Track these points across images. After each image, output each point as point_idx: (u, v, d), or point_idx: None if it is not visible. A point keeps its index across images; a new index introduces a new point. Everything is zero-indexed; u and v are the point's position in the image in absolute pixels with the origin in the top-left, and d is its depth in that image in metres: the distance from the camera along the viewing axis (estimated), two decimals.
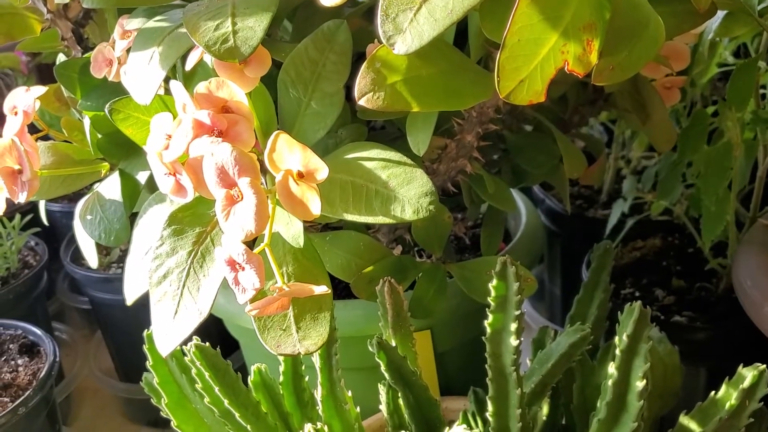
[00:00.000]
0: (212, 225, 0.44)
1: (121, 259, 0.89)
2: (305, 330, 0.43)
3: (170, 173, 0.40)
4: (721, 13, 0.51)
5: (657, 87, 0.54)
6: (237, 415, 0.50)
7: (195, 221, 0.44)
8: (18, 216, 0.92)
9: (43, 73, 1.22)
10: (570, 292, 0.62)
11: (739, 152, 0.57)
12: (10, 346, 0.74)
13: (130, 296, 0.49)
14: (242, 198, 0.37)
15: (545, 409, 0.54)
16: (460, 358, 0.65)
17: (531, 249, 0.68)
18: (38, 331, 0.75)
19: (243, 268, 0.38)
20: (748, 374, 0.44)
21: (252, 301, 0.39)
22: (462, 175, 0.54)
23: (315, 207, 0.38)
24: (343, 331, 0.55)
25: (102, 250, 0.90)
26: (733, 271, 0.57)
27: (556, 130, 0.54)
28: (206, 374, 0.48)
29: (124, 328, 0.88)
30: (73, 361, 0.93)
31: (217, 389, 0.49)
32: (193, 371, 0.50)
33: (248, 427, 0.50)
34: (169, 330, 0.42)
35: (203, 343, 0.49)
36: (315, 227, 0.58)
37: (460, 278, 0.57)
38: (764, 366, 0.43)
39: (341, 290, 0.64)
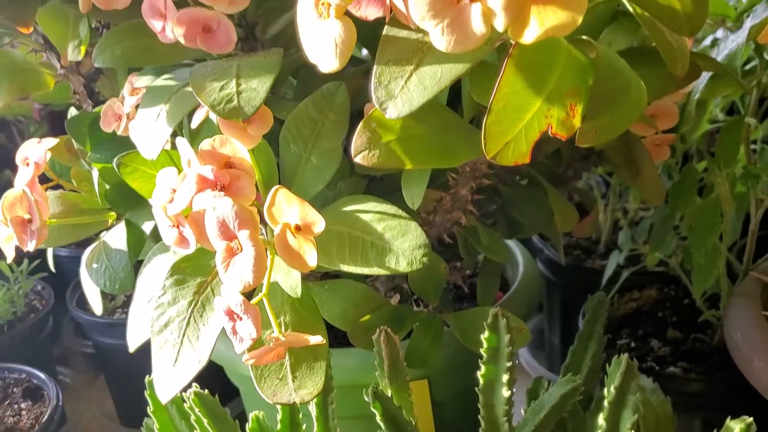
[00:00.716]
0: (213, 275, 0.45)
1: (125, 305, 0.91)
2: (301, 379, 0.44)
3: (174, 225, 0.42)
4: (706, 75, 0.53)
5: (647, 144, 0.56)
6: None
7: (196, 271, 0.46)
8: (26, 261, 0.94)
9: (54, 120, 1.25)
10: (569, 341, 0.63)
11: (729, 207, 0.58)
12: (14, 389, 0.75)
13: (133, 343, 0.50)
14: (241, 250, 0.39)
15: None
16: (458, 407, 0.66)
17: (528, 299, 0.69)
18: (42, 375, 0.76)
19: (240, 318, 0.39)
20: (735, 426, 0.44)
21: (249, 350, 0.40)
22: (457, 227, 0.56)
23: (311, 259, 0.39)
24: (340, 380, 0.56)
25: (107, 295, 0.92)
26: (724, 324, 0.58)
27: (548, 185, 0.56)
28: (204, 421, 0.49)
29: (126, 372, 0.89)
30: (75, 405, 0.94)
31: None
32: (192, 418, 0.51)
33: None
34: (170, 377, 0.43)
35: (202, 391, 0.50)
36: (314, 275, 0.59)
37: (457, 328, 0.58)
38: (751, 419, 0.44)
39: (340, 338, 0.65)
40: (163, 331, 0.44)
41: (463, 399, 0.65)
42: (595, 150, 0.61)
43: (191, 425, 0.53)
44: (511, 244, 0.75)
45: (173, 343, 0.44)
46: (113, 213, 0.57)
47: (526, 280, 0.69)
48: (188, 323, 0.44)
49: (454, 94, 0.50)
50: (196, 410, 0.50)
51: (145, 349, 0.51)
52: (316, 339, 0.41)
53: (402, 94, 0.33)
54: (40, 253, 1.03)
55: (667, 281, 0.79)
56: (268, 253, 0.40)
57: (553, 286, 0.90)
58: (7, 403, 0.73)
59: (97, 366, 1.00)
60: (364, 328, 0.55)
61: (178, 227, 0.42)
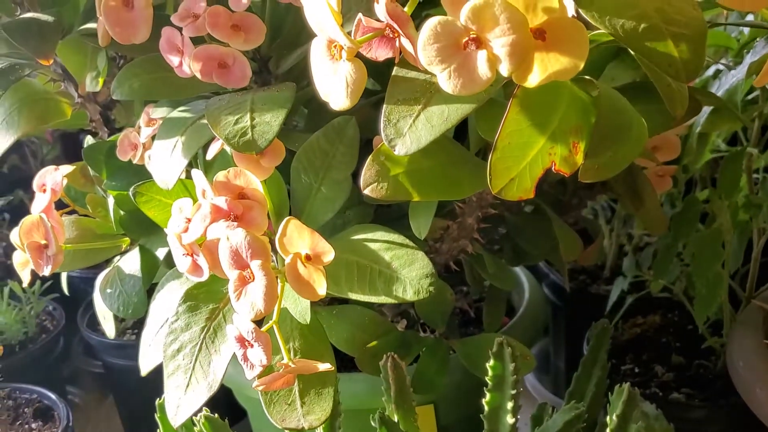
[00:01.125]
0: (225, 302, 0.47)
1: (135, 326, 0.92)
2: (309, 405, 0.45)
3: (188, 254, 0.43)
4: (707, 109, 0.54)
5: (649, 175, 0.57)
6: None
7: (209, 298, 0.47)
8: (38, 282, 0.95)
9: (66, 141, 1.26)
10: (574, 365, 0.64)
11: (731, 236, 0.59)
12: (25, 410, 0.76)
13: (145, 367, 0.51)
14: (253, 279, 0.40)
15: None
16: None
17: (533, 324, 0.69)
18: (53, 396, 0.77)
19: (252, 345, 0.40)
20: None
21: (259, 376, 0.41)
22: (464, 254, 0.57)
23: (321, 289, 0.40)
24: (347, 404, 0.57)
25: (117, 317, 0.93)
26: (726, 352, 0.59)
27: (552, 215, 0.57)
28: None
29: (136, 394, 0.90)
30: (85, 425, 0.95)
31: None
32: None
33: None
34: (181, 402, 0.44)
35: (212, 414, 0.51)
36: (323, 300, 0.60)
37: (463, 354, 0.59)
38: None
39: (347, 362, 0.66)
40: (176, 356, 0.45)
41: (468, 424, 0.66)
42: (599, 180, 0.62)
43: None
44: (517, 269, 0.75)
45: (185, 369, 0.45)
46: (127, 238, 0.58)
47: (531, 306, 0.70)
48: (200, 349, 0.45)
49: (461, 126, 0.51)
50: None
51: (155, 370, 0.52)
52: (325, 366, 0.42)
53: (410, 132, 0.35)
54: (53, 275, 1.05)
55: (671, 307, 0.80)
56: (279, 281, 0.41)
57: (558, 310, 0.91)
58: (18, 423, 0.74)
59: (106, 386, 1.01)
60: (371, 354, 0.56)
61: (192, 255, 0.43)
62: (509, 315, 0.72)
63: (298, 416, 0.45)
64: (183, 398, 0.44)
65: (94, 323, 0.93)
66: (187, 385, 0.44)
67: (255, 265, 0.40)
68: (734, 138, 0.75)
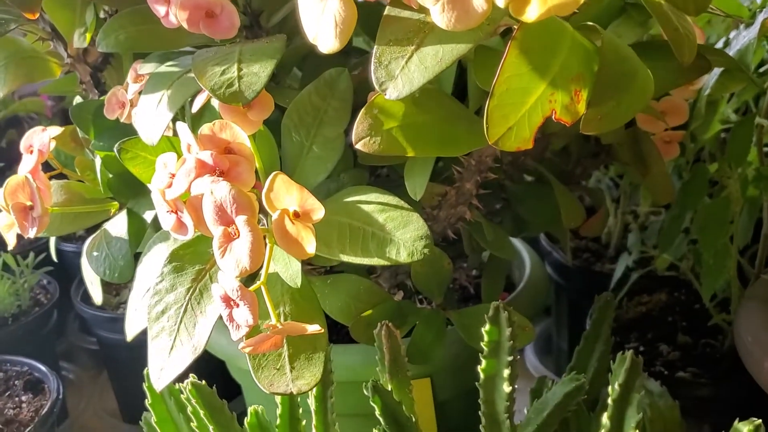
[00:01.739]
0: (211, 263, 0.45)
1: None
2: (299, 370, 0.44)
3: (172, 211, 0.42)
4: (717, 71, 0.52)
5: (656, 141, 0.55)
6: None
7: (195, 259, 0.45)
8: (31, 254, 0.94)
9: (66, 117, 1.25)
10: (576, 345, 0.62)
11: (740, 207, 0.57)
12: (16, 382, 0.75)
13: (131, 332, 0.49)
14: (239, 235, 0.38)
15: None
16: (461, 407, 0.65)
17: (534, 299, 0.68)
18: (43, 368, 0.76)
19: (237, 305, 0.39)
20: (744, 428, 0.43)
21: (246, 338, 0.39)
22: (462, 222, 0.55)
23: (310, 246, 0.39)
24: (340, 376, 0.55)
25: (111, 290, 0.91)
26: (735, 328, 0.57)
27: (555, 181, 0.55)
28: (201, 412, 0.49)
29: (129, 368, 0.89)
30: (78, 401, 0.93)
31: (211, 428, 0.49)
32: (189, 409, 0.50)
33: None
34: (165, 365, 0.43)
35: (200, 381, 0.50)
36: (317, 270, 0.59)
37: (460, 325, 0.57)
38: (759, 420, 0.43)
39: (343, 336, 0.65)
40: (160, 318, 0.43)
41: (467, 399, 0.64)
42: (604, 147, 0.60)
43: (188, 417, 0.52)
44: (519, 245, 0.74)
45: (169, 331, 0.43)
46: (116, 203, 0.57)
47: (532, 281, 0.68)
48: (185, 311, 0.43)
49: (460, 86, 0.49)
50: (193, 401, 0.49)
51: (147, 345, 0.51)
52: (314, 328, 0.40)
53: (402, 74, 0.33)
54: (46, 247, 1.03)
55: (677, 286, 0.78)
56: (267, 241, 0.40)
57: (561, 289, 0.89)
58: (7, 395, 0.73)
59: (100, 363, 1.00)
60: (366, 323, 0.55)
61: (176, 212, 0.41)
62: (510, 291, 0.70)
63: (287, 381, 0.43)
64: (167, 361, 0.42)
65: (88, 297, 0.92)
66: (171, 348, 0.43)
67: (240, 220, 0.38)
68: (745, 113, 0.73)
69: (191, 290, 0.44)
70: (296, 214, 0.39)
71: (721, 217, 0.55)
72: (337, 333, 0.65)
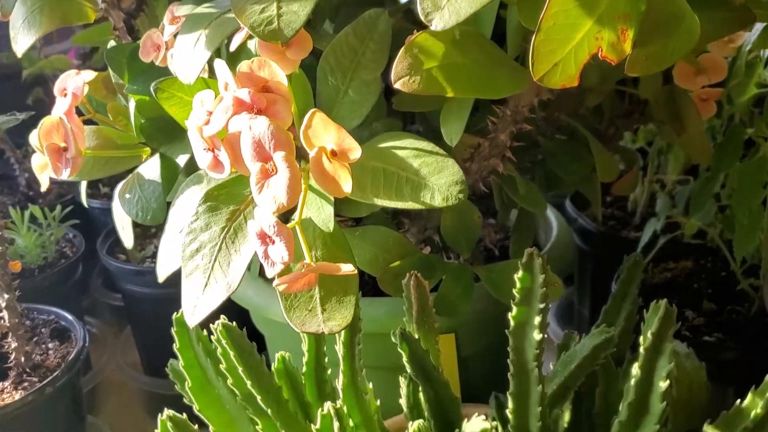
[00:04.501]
0: (246, 203, 0.45)
1: (155, 255, 0.91)
2: (330, 311, 0.44)
3: (209, 149, 0.42)
4: (759, 26, 0.51)
5: (693, 98, 0.54)
6: (259, 398, 0.50)
7: (230, 199, 0.45)
8: (58, 207, 0.95)
9: None
10: (599, 314, 0.62)
11: None
12: (42, 330, 0.76)
13: (163, 272, 0.50)
14: (276, 171, 0.38)
15: (567, 416, 0.54)
16: (484, 364, 0.65)
17: (561, 260, 0.67)
18: (70, 317, 0.76)
19: (273, 242, 0.39)
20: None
21: (280, 275, 0.40)
22: (494, 176, 0.55)
23: (346, 185, 0.39)
24: (368, 328, 0.56)
25: (137, 244, 0.92)
26: (764, 289, 0.56)
27: (590, 136, 0.54)
28: (231, 353, 0.49)
29: (153, 322, 0.90)
30: (101, 354, 0.95)
31: (240, 370, 0.49)
32: (219, 351, 0.51)
33: (269, 411, 0.50)
34: (198, 302, 0.43)
35: (230, 323, 0.50)
36: (346, 223, 0.59)
37: (487, 280, 0.57)
38: None
39: (369, 289, 0.65)
40: (195, 256, 0.44)
41: (490, 355, 0.65)
42: (638, 107, 0.60)
43: (217, 361, 0.53)
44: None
45: (204, 269, 0.43)
46: (147, 149, 0.57)
47: (559, 241, 0.68)
48: (220, 249, 0.43)
49: (498, 37, 0.49)
50: (223, 342, 0.49)
51: (171, 298, 0.51)
52: (348, 267, 0.41)
53: (449, 4, 0.32)
54: (73, 200, 1.04)
55: (704, 253, 0.77)
56: (302, 182, 0.40)
57: (585, 255, 0.88)
58: (34, 341, 0.74)
59: (123, 319, 1.01)
60: (394, 274, 0.55)
61: (213, 150, 0.41)
62: None
63: (319, 321, 0.43)
64: (201, 298, 0.43)
65: (113, 251, 0.92)
66: (206, 285, 0.43)
67: (278, 156, 0.38)
68: None
69: (226, 229, 0.44)
70: (333, 153, 0.39)
71: (756, 177, 0.54)
72: (363, 286, 0.65)
